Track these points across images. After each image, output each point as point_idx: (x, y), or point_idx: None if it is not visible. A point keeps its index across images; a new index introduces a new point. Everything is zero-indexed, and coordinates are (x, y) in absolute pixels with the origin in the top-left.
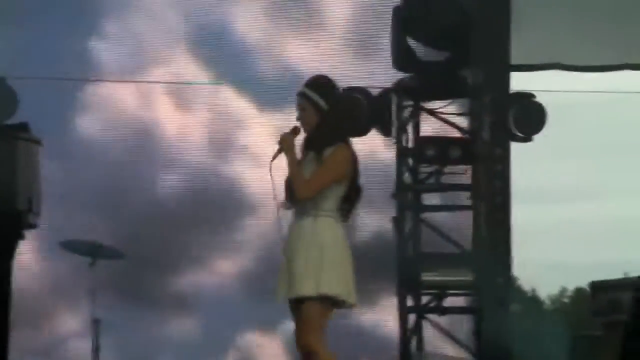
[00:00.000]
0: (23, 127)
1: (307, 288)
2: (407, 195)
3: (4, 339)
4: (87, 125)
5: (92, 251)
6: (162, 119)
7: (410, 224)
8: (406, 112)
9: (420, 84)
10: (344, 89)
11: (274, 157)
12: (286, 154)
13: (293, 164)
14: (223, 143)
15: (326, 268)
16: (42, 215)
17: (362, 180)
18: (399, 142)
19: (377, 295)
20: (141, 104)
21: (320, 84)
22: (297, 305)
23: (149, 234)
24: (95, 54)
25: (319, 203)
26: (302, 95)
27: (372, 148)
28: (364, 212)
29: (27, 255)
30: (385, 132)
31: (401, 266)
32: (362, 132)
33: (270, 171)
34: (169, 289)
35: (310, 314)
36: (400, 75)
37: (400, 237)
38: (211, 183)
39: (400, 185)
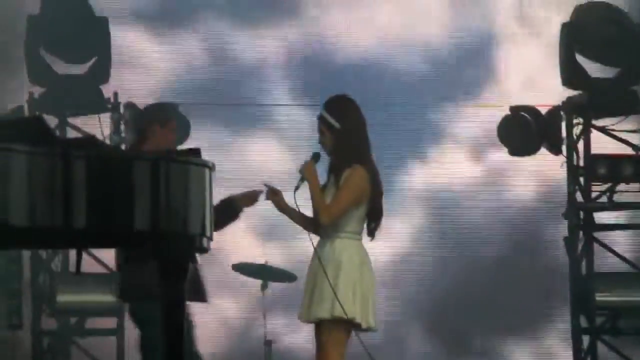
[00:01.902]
0: (195, 152)
1: (322, 311)
2: (578, 214)
3: None
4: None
5: (263, 273)
6: None
7: (582, 244)
8: (576, 130)
9: (591, 101)
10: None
11: (297, 187)
12: (308, 181)
13: (313, 191)
14: None
15: (341, 290)
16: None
17: (533, 199)
18: (569, 160)
19: (550, 316)
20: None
21: (334, 103)
22: (317, 327)
23: None
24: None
25: (338, 225)
26: (318, 118)
27: (542, 167)
28: (534, 232)
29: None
30: (555, 150)
31: (574, 287)
32: (532, 150)
33: (295, 200)
34: None
35: (325, 337)
36: (569, 92)
37: (573, 257)
38: None
39: (571, 204)
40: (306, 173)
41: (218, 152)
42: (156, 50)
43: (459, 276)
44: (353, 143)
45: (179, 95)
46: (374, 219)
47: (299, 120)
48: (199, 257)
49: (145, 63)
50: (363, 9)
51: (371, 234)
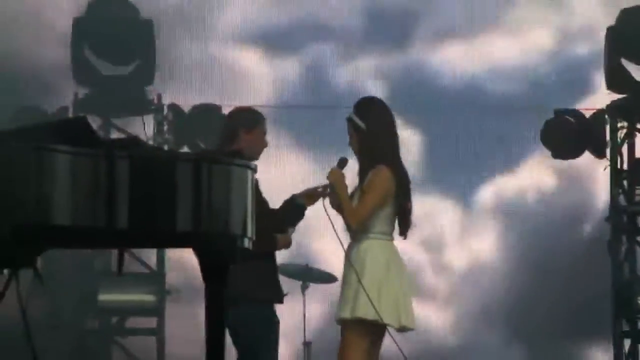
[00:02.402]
0: (236, 153)
1: (344, 311)
2: (621, 218)
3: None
4: None
5: (303, 274)
6: None
7: (625, 247)
8: (620, 134)
9: (635, 104)
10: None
11: (325, 194)
12: (335, 187)
13: (341, 197)
14: None
15: (365, 291)
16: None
17: (575, 202)
18: (612, 163)
19: (592, 319)
20: None
21: (361, 105)
22: (341, 328)
23: None
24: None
25: (366, 225)
26: (347, 120)
27: (586, 170)
28: (577, 235)
29: None
30: (599, 153)
31: (616, 290)
32: (575, 154)
33: (325, 207)
34: None
35: (346, 337)
36: (614, 96)
37: (615, 260)
38: None
39: (614, 208)
40: (332, 179)
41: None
42: (202, 53)
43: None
44: (379, 144)
45: (223, 97)
46: (402, 219)
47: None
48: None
49: (188, 65)
50: None
51: (402, 233)
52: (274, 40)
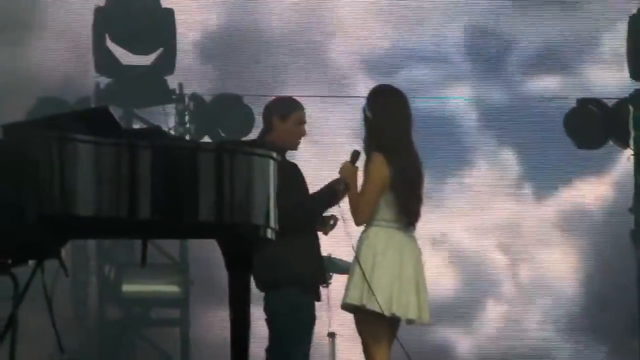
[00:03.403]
0: (258, 142)
1: (349, 297)
2: None
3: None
4: None
5: (327, 266)
6: None
7: None
8: None
9: None
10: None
11: (339, 189)
12: (347, 181)
13: (351, 191)
14: None
15: (353, 277)
16: None
17: (599, 193)
18: (636, 153)
19: (616, 310)
20: None
21: (371, 94)
22: None
23: None
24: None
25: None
26: (362, 110)
27: (609, 160)
28: (602, 226)
29: None
30: (623, 143)
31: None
32: (599, 143)
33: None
34: None
35: (357, 325)
36: (637, 85)
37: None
38: None
39: (638, 198)
40: (343, 173)
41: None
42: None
43: None
44: (379, 133)
45: (245, 87)
46: (403, 207)
47: None
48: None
49: (209, 55)
50: None
51: (409, 222)
52: None
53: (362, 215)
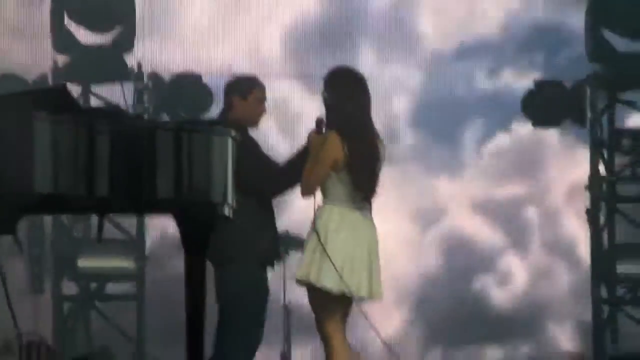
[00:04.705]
0: (217, 121)
1: (301, 272)
2: (601, 187)
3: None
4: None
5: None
6: None
7: (604, 216)
8: (601, 104)
9: (616, 75)
10: None
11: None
12: (310, 150)
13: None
14: None
15: (305, 254)
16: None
17: (555, 173)
18: (593, 133)
19: (570, 286)
20: None
21: (327, 74)
22: None
23: None
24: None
25: (324, 192)
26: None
27: (566, 139)
28: (560, 204)
29: None
30: (580, 123)
31: (595, 258)
32: (556, 123)
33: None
34: None
35: (310, 301)
36: (595, 66)
37: (595, 228)
38: None
39: (594, 177)
40: (312, 140)
41: None
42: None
43: None
44: (340, 114)
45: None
46: (357, 186)
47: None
48: None
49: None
50: None
51: (365, 199)
52: None
53: (308, 189)
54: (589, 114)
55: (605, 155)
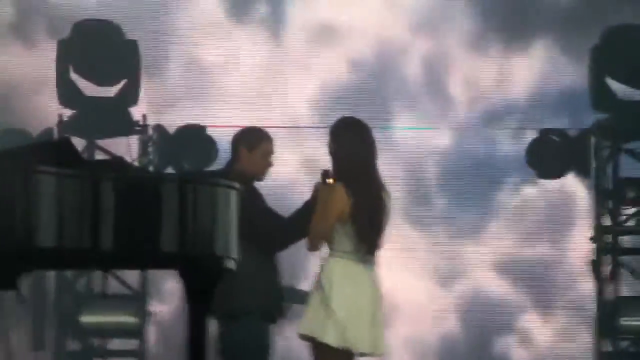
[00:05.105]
0: (222, 173)
1: (303, 327)
2: (606, 238)
3: None
4: None
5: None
6: None
7: (609, 267)
8: (605, 153)
9: (620, 124)
10: None
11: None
12: (316, 202)
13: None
14: None
15: (310, 307)
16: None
17: (559, 223)
18: (598, 183)
19: (574, 338)
20: None
21: (332, 126)
22: None
23: None
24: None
25: (329, 244)
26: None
27: (570, 190)
28: (563, 254)
29: None
30: (584, 173)
31: (600, 310)
32: (560, 173)
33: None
34: None
35: (313, 355)
36: (599, 115)
37: (599, 280)
38: None
39: (599, 228)
40: (316, 194)
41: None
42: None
43: None
44: (345, 165)
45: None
46: (361, 238)
47: None
48: None
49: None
50: None
51: (370, 253)
52: None
53: (314, 242)
54: (593, 164)
55: (610, 206)
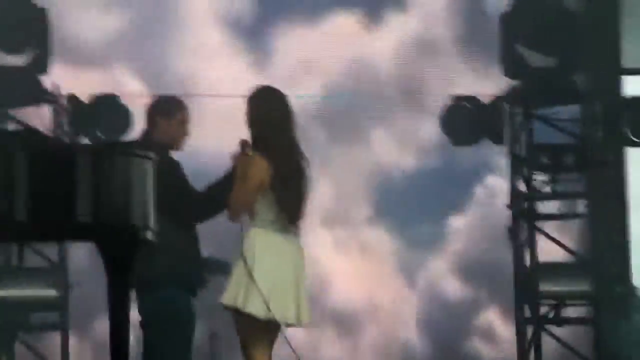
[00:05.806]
0: (137, 142)
1: (227, 297)
2: (521, 204)
3: None
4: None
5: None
6: None
7: (525, 233)
8: (518, 120)
9: (532, 90)
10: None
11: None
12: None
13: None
14: None
15: (232, 277)
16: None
17: (476, 190)
18: (512, 150)
19: (494, 306)
20: None
21: (248, 95)
22: None
23: None
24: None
25: (250, 215)
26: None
27: (485, 157)
28: (480, 222)
29: None
30: (498, 140)
31: (518, 276)
32: (474, 140)
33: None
34: None
35: (236, 326)
36: (511, 82)
37: (516, 246)
38: None
39: (514, 194)
40: (238, 162)
41: None
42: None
43: None
44: (262, 135)
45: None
46: (282, 208)
47: None
48: None
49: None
50: None
51: (290, 221)
52: None
53: (235, 212)
54: (506, 131)
55: (525, 172)
